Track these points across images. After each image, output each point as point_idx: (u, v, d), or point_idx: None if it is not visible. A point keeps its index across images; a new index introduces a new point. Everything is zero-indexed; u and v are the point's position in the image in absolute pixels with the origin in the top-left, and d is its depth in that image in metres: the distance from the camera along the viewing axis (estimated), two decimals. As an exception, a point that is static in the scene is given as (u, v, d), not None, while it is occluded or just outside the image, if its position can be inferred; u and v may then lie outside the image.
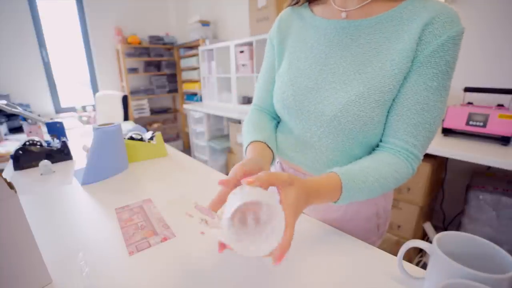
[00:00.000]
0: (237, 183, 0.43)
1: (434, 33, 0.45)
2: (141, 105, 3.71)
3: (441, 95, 0.48)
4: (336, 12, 0.57)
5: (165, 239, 0.56)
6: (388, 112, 0.52)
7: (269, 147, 0.61)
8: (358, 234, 0.59)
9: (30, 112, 2.23)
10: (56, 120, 1.37)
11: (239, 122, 2.52)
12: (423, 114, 0.49)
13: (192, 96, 3.75)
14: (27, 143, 1.02)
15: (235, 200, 0.36)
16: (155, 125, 3.87)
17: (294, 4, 0.65)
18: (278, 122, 0.72)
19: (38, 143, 1.04)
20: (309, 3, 0.64)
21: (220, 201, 0.42)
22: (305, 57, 0.59)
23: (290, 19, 0.65)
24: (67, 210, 0.70)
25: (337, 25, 0.55)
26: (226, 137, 3.13)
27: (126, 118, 2.56)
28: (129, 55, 3.46)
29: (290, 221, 0.37)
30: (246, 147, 0.60)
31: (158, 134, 1.13)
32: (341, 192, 0.46)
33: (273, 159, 0.62)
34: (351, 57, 0.53)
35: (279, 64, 0.66)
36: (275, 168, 0.76)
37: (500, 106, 1.33)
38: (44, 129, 1.45)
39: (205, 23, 3.25)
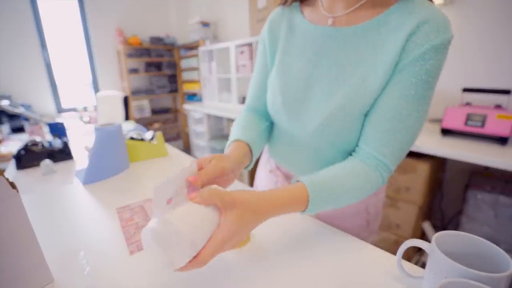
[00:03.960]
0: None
1: (416, 42, 0.43)
2: (142, 105, 3.72)
3: (418, 105, 0.46)
4: (323, 17, 0.55)
5: (165, 238, 0.57)
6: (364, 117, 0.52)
7: (251, 150, 0.59)
8: (347, 229, 0.60)
9: (32, 112, 2.24)
10: (57, 120, 1.39)
11: (239, 122, 2.51)
12: (394, 122, 0.47)
13: (193, 97, 3.76)
14: (29, 143, 1.03)
15: (158, 214, 0.34)
16: (156, 125, 3.88)
17: (284, 3, 0.63)
18: (271, 123, 0.71)
19: (40, 143, 1.05)
20: (301, 2, 0.62)
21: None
22: (294, 64, 0.59)
23: (280, 20, 0.63)
24: (68, 210, 0.71)
25: (324, 32, 0.54)
26: (226, 137, 3.13)
27: (127, 118, 2.57)
28: (130, 55, 3.47)
29: (209, 250, 0.35)
30: (229, 144, 0.59)
31: (159, 134, 1.14)
32: (307, 205, 0.45)
33: (251, 161, 0.60)
34: (336, 67, 0.52)
35: (271, 66, 0.65)
36: (270, 166, 0.76)
37: (498, 106, 1.34)
38: (46, 129, 1.46)
39: (205, 24, 3.25)
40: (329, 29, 0.53)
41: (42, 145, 1.05)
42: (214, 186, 0.40)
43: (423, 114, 0.47)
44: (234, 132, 0.62)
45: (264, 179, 0.79)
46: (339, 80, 0.51)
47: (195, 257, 0.35)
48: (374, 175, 0.49)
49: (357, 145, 0.54)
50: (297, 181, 0.48)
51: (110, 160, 0.91)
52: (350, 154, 0.56)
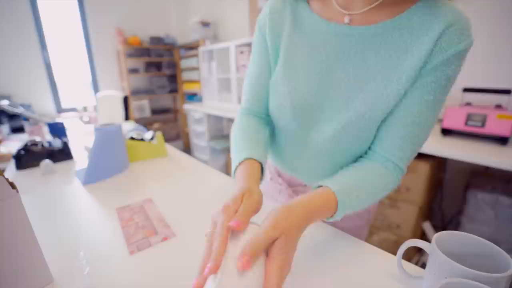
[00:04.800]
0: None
1: (441, 46, 0.41)
2: (142, 105, 3.72)
3: (435, 110, 0.46)
4: (337, 14, 0.50)
5: (165, 238, 0.57)
6: None
7: (262, 168, 0.52)
8: (348, 229, 0.60)
9: (32, 112, 2.24)
10: (57, 120, 1.39)
11: (239, 122, 2.51)
12: (413, 127, 0.46)
13: (193, 97, 3.75)
14: (29, 143, 1.03)
15: None
16: (156, 125, 3.88)
17: None
18: (272, 126, 0.65)
19: (40, 143, 1.05)
20: None
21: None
22: (302, 66, 0.53)
23: (283, 10, 0.55)
24: (68, 210, 0.71)
25: (339, 31, 0.49)
26: (226, 137, 3.14)
27: (127, 118, 2.57)
28: (130, 55, 3.47)
29: (273, 274, 0.31)
30: (237, 166, 0.50)
31: (159, 134, 1.14)
32: (336, 210, 0.42)
33: (262, 179, 0.53)
34: (354, 72, 0.48)
35: (275, 63, 0.58)
36: (270, 173, 0.72)
37: (499, 106, 1.34)
38: (46, 129, 1.46)
39: (205, 24, 3.25)
40: (345, 28, 0.48)
41: (42, 145, 1.04)
42: (250, 224, 0.37)
43: (437, 118, 0.47)
44: (240, 146, 0.54)
45: (264, 188, 0.71)
46: (358, 86, 0.48)
47: None
48: (391, 176, 0.49)
49: (370, 149, 0.52)
50: (320, 186, 0.45)
51: (110, 160, 0.91)
52: (361, 156, 0.54)
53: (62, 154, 1.08)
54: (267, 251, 0.33)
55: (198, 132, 3.33)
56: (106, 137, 0.88)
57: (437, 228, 1.65)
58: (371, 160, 0.51)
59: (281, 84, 0.55)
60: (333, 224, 0.60)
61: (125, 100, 2.54)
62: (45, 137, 1.40)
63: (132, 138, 1.08)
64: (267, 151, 0.58)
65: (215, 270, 0.30)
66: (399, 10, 0.45)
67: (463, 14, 0.42)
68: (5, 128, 1.65)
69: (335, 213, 0.43)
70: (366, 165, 0.50)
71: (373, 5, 0.46)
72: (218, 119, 3.22)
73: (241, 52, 2.54)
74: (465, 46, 0.41)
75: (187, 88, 3.84)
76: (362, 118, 0.47)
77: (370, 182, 0.47)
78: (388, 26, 0.45)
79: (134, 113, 3.64)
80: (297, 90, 0.53)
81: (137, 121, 3.67)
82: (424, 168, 1.39)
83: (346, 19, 0.49)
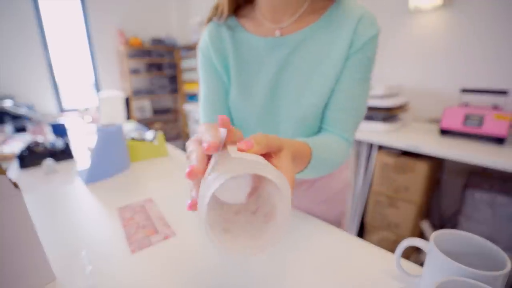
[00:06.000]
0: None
1: (358, 33, 0.51)
2: (143, 106, 3.74)
3: (364, 85, 0.55)
4: (269, 29, 0.57)
5: (166, 237, 0.58)
6: None
7: None
8: (334, 217, 0.69)
9: (35, 112, 2.25)
10: (59, 120, 1.40)
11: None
12: (349, 103, 0.55)
13: (193, 97, 3.77)
14: (32, 143, 1.04)
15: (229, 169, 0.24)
16: (157, 125, 3.90)
17: (219, 18, 0.60)
18: None
19: (42, 144, 1.06)
20: (236, 15, 0.62)
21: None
22: (254, 82, 0.59)
23: (221, 36, 0.61)
24: (70, 209, 0.72)
25: (275, 43, 0.56)
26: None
27: (128, 118, 2.59)
28: (131, 56, 3.48)
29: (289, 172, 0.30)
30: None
31: (160, 134, 1.15)
32: (310, 159, 0.44)
33: None
34: (297, 72, 0.56)
35: (228, 81, 0.63)
36: None
37: (496, 107, 1.35)
38: (48, 129, 1.48)
39: (206, 24, 3.26)
40: (279, 40, 0.56)
41: (44, 145, 1.06)
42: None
43: (368, 93, 0.57)
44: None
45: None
46: (303, 82, 0.56)
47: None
48: (344, 145, 0.56)
49: (321, 127, 0.59)
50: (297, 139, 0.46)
51: (111, 160, 0.93)
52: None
53: (64, 154, 1.10)
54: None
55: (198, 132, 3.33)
56: (108, 137, 0.90)
57: (435, 227, 1.65)
58: (325, 134, 0.58)
59: (240, 104, 0.62)
60: (319, 210, 0.69)
61: (127, 101, 2.55)
62: (48, 137, 1.42)
63: (133, 138, 1.10)
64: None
65: (215, 147, 0.27)
66: (318, 14, 0.55)
67: (368, 9, 0.53)
68: (9, 128, 1.67)
69: (309, 163, 0.45)
70: (325, 135, 0.57)
71: (297, 16, 0.55)
72: (219, 119, 3.22)
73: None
74: (376, 32, 0.52)
75: (188, 88, 3.85)
76: (315, 107, 0.56)
77: (332, 144, 0.53)
78: (314, 28, 0.54)
79: (135, 113, 3.66)
80: (255, 104, 0.60)
81: (138, 121, 3.68)
82: (422, 168, 1.40)
83: (277, 33, 0.57)
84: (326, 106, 0.57)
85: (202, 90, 0.66)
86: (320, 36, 0.54)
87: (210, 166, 0.27)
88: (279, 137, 0.33)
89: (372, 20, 0.52)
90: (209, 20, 0.63)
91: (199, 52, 0.64)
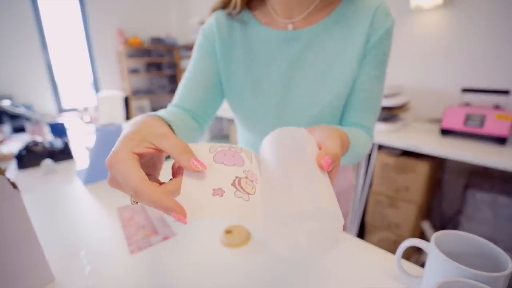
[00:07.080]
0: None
1: (375, 28, 0.50)
2: (142, 106, 3.73)
3: (382, 81, 0.55)
4: (281, 23, 0.56)
5: (165, 238, 0.57)
6: None
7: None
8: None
9: (33, 112, 2.25)
10: (58, 120, 1.39)
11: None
12: (371, 101, 0.55)
13: (193, 96, 3.76)
14: (30, 143, 1.03)
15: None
16: (156, 125, 3.89)
17: (232, 9, 0.57)
18: (201, 126, 0.61)
19: (41, 144, 1.05)
20: (248, 7, 0.59)
21: None
22: (265, 75, 0.57)
23: (230, 25, 0.58)
24: (69, 209, 0.71)
25: (287, 36, 0.54)
26: (226, 137, 3.14)
27: (127, 118, 2.58)
28: (131, 56, 3.48)
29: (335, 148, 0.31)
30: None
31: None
32: (348, 148, 0.42)
33: None
34: (311, 67, 0.54)
35: (226, 77, 0.60)
36: None
37: (497, 106, 1.34)
38: (47, 129, 1.47)
39: (205, 24, 3.26)
40: (291, 33, 0.54)
41: (43, 145, 1.05)
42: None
43: (384, 87, 0.56)
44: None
45: None
46: (317, 78, 0.54)
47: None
48: (370, 142, 0.56)
49: (341, 125, 0.58)
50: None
51: (110, 160, 0.92)
52: None
53: (63, 154, 1.09)
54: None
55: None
56: (107, 137, 0.89)
57: (436, 228, 1.65)
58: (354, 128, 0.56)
59: (249, 98, 0.59)
60: None
61: (126, 100, 2.54)
62: (46, 137, 1.41)
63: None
64: (189, 136, 0.53)
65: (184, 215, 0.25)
66: (330, 9, 0.53)
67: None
68: (7, 128, 1.66)
69: (347, 151, 0.43)
70: (355, 129, 0.54)
71: (308, 10, 0.54)
72: (218, 119, 3.22)
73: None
74: (391, 23, 0.51)
75: (188, 88, 3.85)
76: (331, 105, 0.54)
77: (363, 137, 0.53)
78: (327, 22, 0.53)
79: (134, 113, 3.65)
80: (266, 99, 0.58)
81: (138, 121, 3.67)
82: (423, 168, 1.40)
83: (290, 27, 0.55)
84: (347, 106, 0.56)
85: (190, 68, 0.60)
86: (334, 32, 0.52)
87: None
88: (332, 128, 0.35)
89: (387, 10, 0.50)
90: (215, 10, 0.59)
91: (201, 32, 0.60)
